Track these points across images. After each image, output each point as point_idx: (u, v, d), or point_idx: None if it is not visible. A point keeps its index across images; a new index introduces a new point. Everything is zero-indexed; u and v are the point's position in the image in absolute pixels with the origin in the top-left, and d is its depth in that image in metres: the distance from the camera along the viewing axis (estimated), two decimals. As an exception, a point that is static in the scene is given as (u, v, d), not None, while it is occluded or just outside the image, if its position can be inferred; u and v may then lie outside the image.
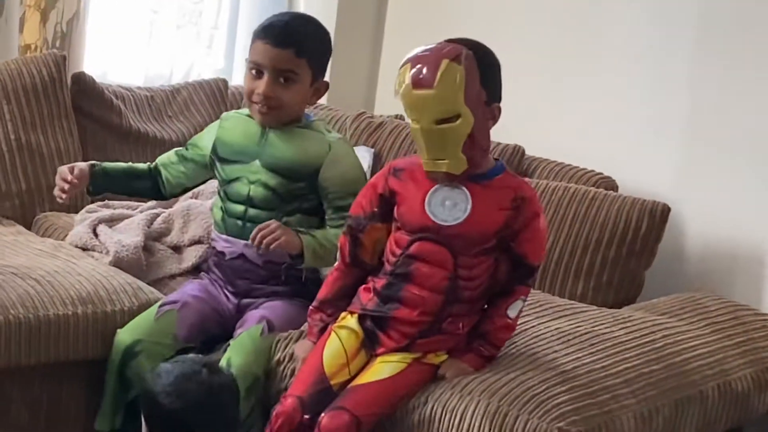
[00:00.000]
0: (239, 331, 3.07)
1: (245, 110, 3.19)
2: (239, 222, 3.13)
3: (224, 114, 3.29)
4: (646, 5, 4.09)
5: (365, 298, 2.89)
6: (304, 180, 3.05)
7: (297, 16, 3.36)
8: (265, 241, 2.96)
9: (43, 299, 3.00)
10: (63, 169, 3.13)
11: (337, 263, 3.02)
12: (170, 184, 3.22)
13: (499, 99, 2.89)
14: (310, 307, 3.05)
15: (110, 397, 3.03)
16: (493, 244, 2.86)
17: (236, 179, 3.05)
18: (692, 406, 3.03)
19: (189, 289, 3.22)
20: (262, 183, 3.04)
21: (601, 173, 3.91)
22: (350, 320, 2.90)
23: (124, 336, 3.05)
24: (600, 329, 3.19)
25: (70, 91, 3.93)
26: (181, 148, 3.27)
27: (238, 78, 4.57)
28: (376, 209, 2.94)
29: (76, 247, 3.47)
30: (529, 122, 4.19)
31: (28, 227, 3.73)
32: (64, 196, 3.12)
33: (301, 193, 3.07)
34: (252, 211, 3.07)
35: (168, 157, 3.22)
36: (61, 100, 3.85)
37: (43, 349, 3.00)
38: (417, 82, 2.70)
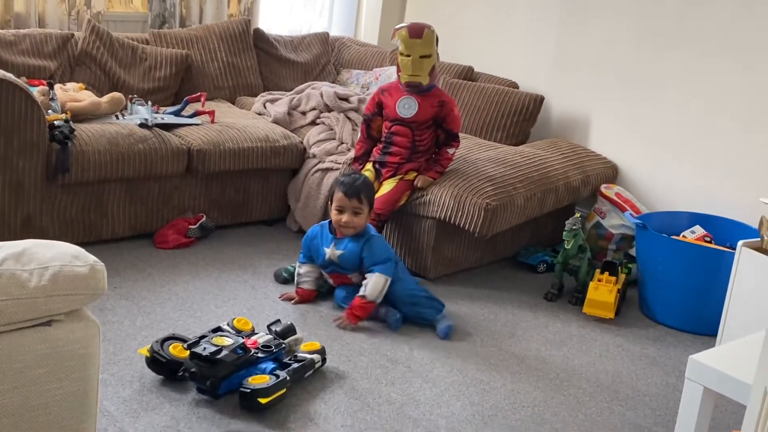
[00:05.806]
0: None
1: None
2: None
3: None
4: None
5: (375, 153, 4.08)
6: None
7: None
8: None
9: (240, 137, 4.35)
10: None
11: (360, 137, 4.13)
12: None
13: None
14: (351, 160, 4.13)
15: None
16: (431, 124, 3.97)
17: None
18: (551, 193, 4.27)
19: None
20: None
21: (509, 79, 5.13)
22: (368, 166, 4.07)
23: None
24: (507, 156, 4.38)
25: (252, 37, 5.14)
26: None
27: (332, 31, 5.86)
28: (375, 110, 4.06)
29: (256, 113, 4.75)
30: (479, 48, 5.36)
31: (233, 103, 5.02)
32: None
33: None
34: None
35: None
36: (248, 42, 5.17)
37: (242, 164, 4.29)
38: (413, 34, 3.80)
